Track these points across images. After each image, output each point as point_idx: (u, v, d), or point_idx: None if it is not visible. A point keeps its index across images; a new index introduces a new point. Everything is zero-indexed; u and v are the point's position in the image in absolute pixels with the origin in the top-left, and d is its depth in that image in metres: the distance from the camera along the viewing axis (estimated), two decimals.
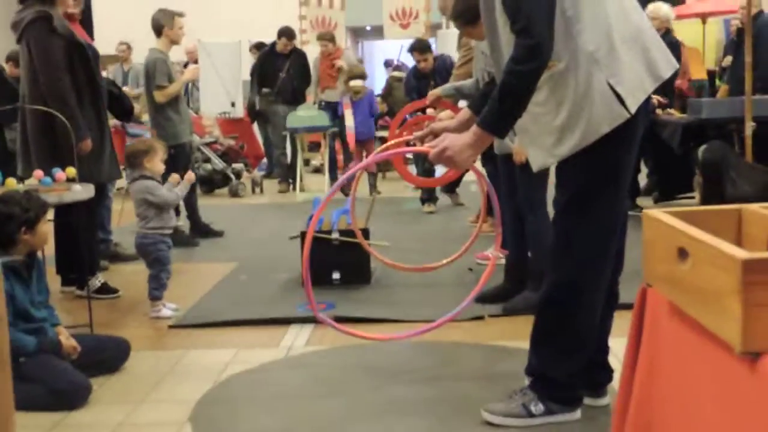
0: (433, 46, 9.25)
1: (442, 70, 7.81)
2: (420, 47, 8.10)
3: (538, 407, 2.93)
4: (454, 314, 3.56)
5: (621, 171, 2.79)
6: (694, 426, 1.25)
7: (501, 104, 2.62)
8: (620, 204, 2.84)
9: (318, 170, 11.87)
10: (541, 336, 2.93)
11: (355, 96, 9.11)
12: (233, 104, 13.47)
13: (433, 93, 4.97)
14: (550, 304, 2.88)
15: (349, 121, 9.10)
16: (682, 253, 1.24)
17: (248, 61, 12.94)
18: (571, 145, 2.70)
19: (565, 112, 2.69)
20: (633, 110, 2.66)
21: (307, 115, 9.30)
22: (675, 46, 6.39)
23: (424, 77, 8.02)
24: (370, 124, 9.28)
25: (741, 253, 1.19)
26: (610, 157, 2.74)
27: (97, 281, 5.02)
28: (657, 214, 1.35)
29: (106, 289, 5.05)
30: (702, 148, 4.55)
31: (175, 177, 4.76)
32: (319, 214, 3.22)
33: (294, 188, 9.86)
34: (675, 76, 4.15)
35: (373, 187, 8.62)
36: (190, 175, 4.87)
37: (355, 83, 9.07)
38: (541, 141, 2.81)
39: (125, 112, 6.04)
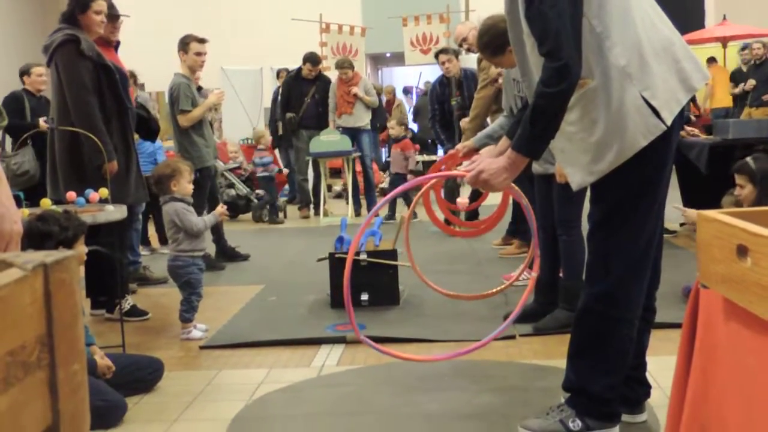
0: None
1: (467, 79, 7.90)
2: (444, 50, 8.22)
3: (575, 423, 2.89)
4: (497, 333, 3.47)
5: (657, 184, 2.77)
6: (756, 425, 1.24)
7: (533, 127, 2.60)
8: (657, 217, 2.82)
9: (340, 195, 11.92)
10: (578, 349, 2.90)
11: None
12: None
13: (466, 145, 4.90)
14: (587, 317, 2.85)
15: None
16: (742, 251, 1.24)
17: (269, 87, 13.04)
18: (609, 161, 2.69)
19: (601, 129, 2.67)
20: (669, 122, 2.65)
21: (329, 140, 9.35)
22: None
23: (448, 84, 8.10)
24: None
25: None
26: (646, 170, 2.72)
27: (126, 303, 5.03)
28: (712, 214, 1.35)
29: (135, 312, 5.07)
30: (750, 157, 4.56)
31: (220, 210, 4.85)
32: (361, 235, 3.20)
33: (316, 213, 9.89)
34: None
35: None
36: (222, 209, 4.93)
37: None
38: (578, 159, 2.79)
39: (151, 133, 6.09)
